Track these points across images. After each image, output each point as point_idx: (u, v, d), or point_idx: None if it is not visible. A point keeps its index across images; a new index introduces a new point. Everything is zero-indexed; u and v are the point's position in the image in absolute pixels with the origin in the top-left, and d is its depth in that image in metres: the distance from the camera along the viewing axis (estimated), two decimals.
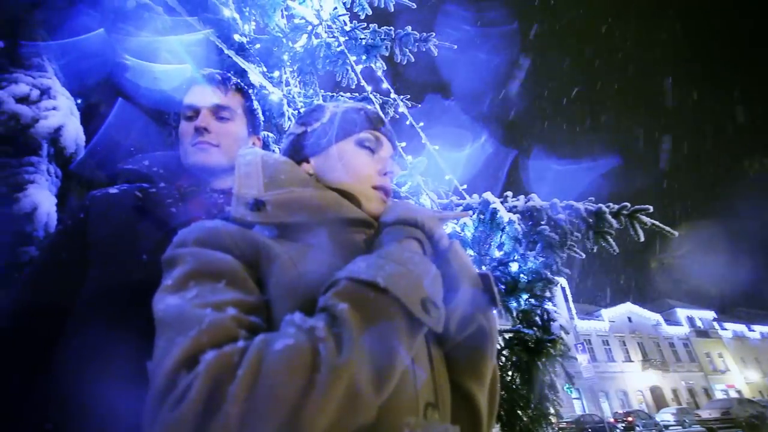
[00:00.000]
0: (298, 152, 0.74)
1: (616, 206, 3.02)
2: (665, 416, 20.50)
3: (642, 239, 2.90)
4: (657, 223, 2.89)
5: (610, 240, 3.00)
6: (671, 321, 34.25)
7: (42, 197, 1.57)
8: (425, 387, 0.52)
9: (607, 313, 31.47)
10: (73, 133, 1.72)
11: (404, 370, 0.48)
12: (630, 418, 19.54)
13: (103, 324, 0.68)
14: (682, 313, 35.18)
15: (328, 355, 0.38)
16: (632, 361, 29.99)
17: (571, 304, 28.77)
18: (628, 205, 2.99)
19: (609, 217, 2.99)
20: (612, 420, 20.09)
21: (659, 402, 28.32)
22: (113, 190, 0.85)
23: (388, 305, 0.44)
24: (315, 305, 0.46)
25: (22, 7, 1.77)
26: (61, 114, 1.70)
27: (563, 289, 28.18)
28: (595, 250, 3.11)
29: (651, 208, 2.90)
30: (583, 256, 3.14)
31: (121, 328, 0.65)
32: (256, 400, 0.34)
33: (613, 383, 27.91)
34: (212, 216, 0.76)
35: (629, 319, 32.13)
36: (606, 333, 30.27)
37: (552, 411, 3.03)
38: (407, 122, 4.08)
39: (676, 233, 2.99)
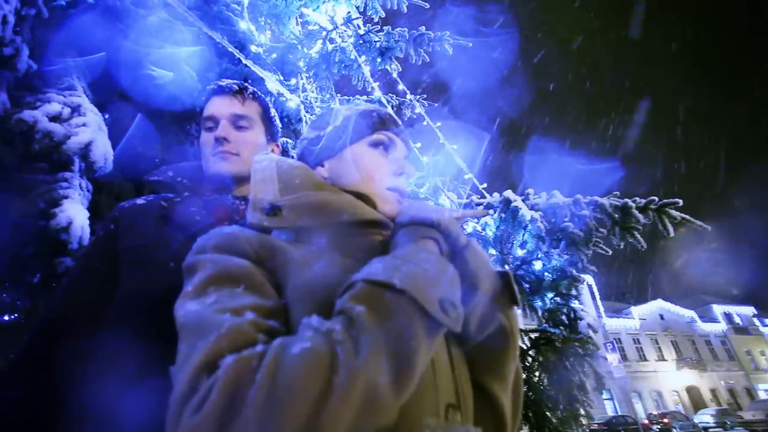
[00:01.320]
0: (312, 157, 0.75)
1: (643, 201, 2.93)
2: (704, 417, 19.62)
3: (672, 234, 2.80)
4: (688, 217, 2.78)
5: (638, 235, 2.91)
6: (707, 318, 32.80)
7: (76, 211, 1.64)
8: (446, 388, 0.52)
9: (637, 310, 30.41)
10: (102, 147, 1.79)
11: (424, 372, 0.47)
12: (666, 420, 18.81)
13: (134, 330, 0.71)
14: (718, 309, 33.64)
15: (346, 358, 0.38)
16: (666, 360, 28.87)
17: (599, 302, 27.94)
18: (656, 199, 2.89)
19: (635, 212, 2.89)
20: (646, 422, 19.38)
21: (697, 403, 27.14)
22: (140, 201, 0.89)
23: (405, 306, 0.43)
24: (332, 308, 0.46)
25: (52, 30, 1.86)
26: (91, 130, 1.78)
27: (590, 286, 27.40)
28: (622, 247, 3.02)
29: (680, 202, 2.80)
30: (610, 252, 3.06)
31: (150, 333, 0.68)
32: (275, 403, 0.34)
33: (646, 383, 26.94)
34: (235, 223, 0.78)
35: (661, 316, 30.95)
36: (637, 331, 29.27)
37: (582, 412, 2.95)
38: (424, 122, 4.07)
39: (709, 227, 2.87)
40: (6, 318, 2.01)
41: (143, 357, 0.66)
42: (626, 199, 2.99)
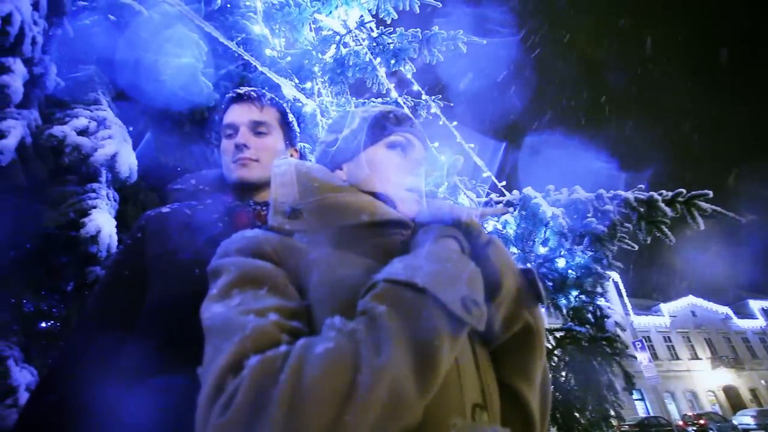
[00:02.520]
0: (330, 160, 0.76)
1: (670, 193, 2.83)
2: (744, 419, 18.74)
3: (702, 228, 2.69)
4: (719, 209, 2.67)
5: (665, 230, 2.81)
6: (743, 314, 31.42)
7: (103, 220, 1.70)
8: (471, 387, 0.51)
9: (667, 307, 29.40)
10: (127, 158, 1.85)
11: (448, 371, 0.47)
12: (702, 421, 18.09)
13: (162, 335, 0.72)
14: (755, 305, 32.17)
15: (369, 357, 0.38)
16: (700, 359, 27.80)
17: (626, 299, 27.12)
18: (684, 191, 2.79)
19: (662, 205, 2.80)
20: (681, 423, 18.68)
21: (735, 403, 25.99)
22: (165, 210, 0.91)
23: (428, 305, 0.43)
24: (355, 309, 0.46)
25: (78, 48, 1.93)
26: (116, 142, 1.84)
27: (616, 283, 26.64)
28: (648, 242, 2.92)
29: (711, 194, 2.69)
30: (636, 248, 2.96)
31: (178, 337, 0.69)
32: (299, 403, 0.35)
33: (679, 383, 26.00)
34: (257, 228, 0.79)
35: (693, 313, 29.83)
36: (667, 329, 28.29)
37: (612, 413, 2.87)
38: (440, 122, 4.04)
39: (743, 219, 2.75)
40: (43, 325, 2.10)
41: (172, 360, 0.67)
42: (652, 193, 2.90)
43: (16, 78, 1.58)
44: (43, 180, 1.73)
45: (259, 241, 0.56)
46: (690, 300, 30.36)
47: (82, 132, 1.82)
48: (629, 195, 2.97)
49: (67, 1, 1.87)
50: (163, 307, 0.76)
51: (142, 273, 0.82)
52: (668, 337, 28.11)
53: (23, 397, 1.72)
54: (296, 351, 0.39)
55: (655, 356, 25.88)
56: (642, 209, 2.88)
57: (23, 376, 1.79)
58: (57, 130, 1.73)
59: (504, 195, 3.53)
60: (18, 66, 1.59)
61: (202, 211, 0.90)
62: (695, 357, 27.84)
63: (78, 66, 2.00)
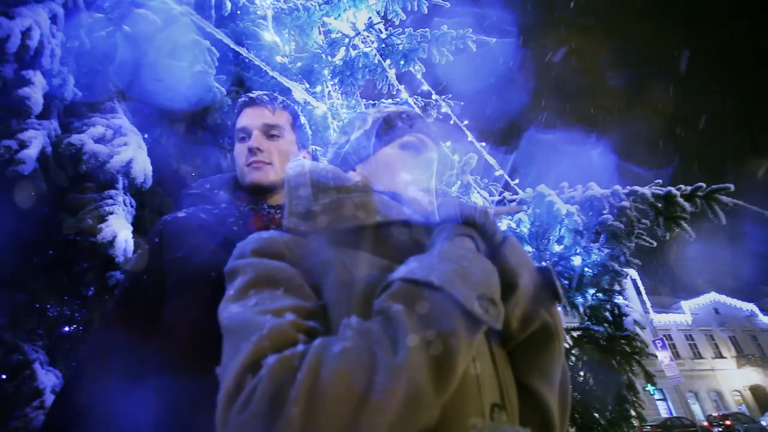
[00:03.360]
0: (344, 161, 0.76)
1: (689, 188, 2.76)
2: None
3: (723, 222, 2.62)
4: (741, 202, 2.60)
5: (685, 225, 2.75)
6: None
7: (119, 226, 1.74)
8: (490, 387, 0.50)
9: (688, 304, 28.67)
10: (142, 164, 1.89)
11: (466, 371, 0.46)
12: (728, 422, 17.56)
13: (181, 337, 0.74)
14: None
15: (385, 356, 0.38)
16: (724, 358, 27.02)
17: (645, 297, 26.53)
18: (704, 185, 2.72)
19: (681, 200, 2.74)
20: (705, 423, 18.19)
21: (763, 403, 25.18)
22: (181, 214, 0.92)
23: (444, 304, 0.43)
24: (371, 308, 0.46)
25: (94, 58, 1.98)
26: (131, 149, 1.88)
27: (634, 281, 26.07)
28: (667, 238, 2.86)
29: (732, 187, 2.61)
30: (654, 244, 2.90)
31: (196, 340, 0.70)
32: (317, 402, 0.35)
33: (703, 383, 25.32)
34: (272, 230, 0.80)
35: (716, 310, 29.01)
36: (689, 326, 27.58)
37: (632, 413, 2.80)
38: (451, 122, 4.03)
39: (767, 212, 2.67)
40: (66, 329, 2.15)
41: (191, 362, 0.68)
42: (669, 188, 2.84)
43: (36, 90, 1.62)
44: (63, 188, 1.78)
45: (275, 242, 0.57)
46: (712, 297, 29.54)
47: (99, 140, 1.86)
48: (646, 191, 2.90)
49: (84, 14, 1.92)
50: (180, 309, 0.77)
51: (160, 277, 0.83)
52: (690, 335, 27.40)
53: (49, 399, 1.77)
54: (313, 350, 0.39)
55: (676, 355, 25.24)
56: (660, 205, 2.82)
57: (48, 379, 1.84)
58: (75, 138, 1.78)
59: (517, 193, 3.50)
60: (38, 78, 1.64)
61: (218, 215, 0.91)
62: (719, 356, 27.08)
63: (95, 76, 2.05)
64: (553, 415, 0.56)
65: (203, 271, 0.79)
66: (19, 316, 1.94)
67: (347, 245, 0.59)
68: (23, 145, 1.59)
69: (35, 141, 1.62)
